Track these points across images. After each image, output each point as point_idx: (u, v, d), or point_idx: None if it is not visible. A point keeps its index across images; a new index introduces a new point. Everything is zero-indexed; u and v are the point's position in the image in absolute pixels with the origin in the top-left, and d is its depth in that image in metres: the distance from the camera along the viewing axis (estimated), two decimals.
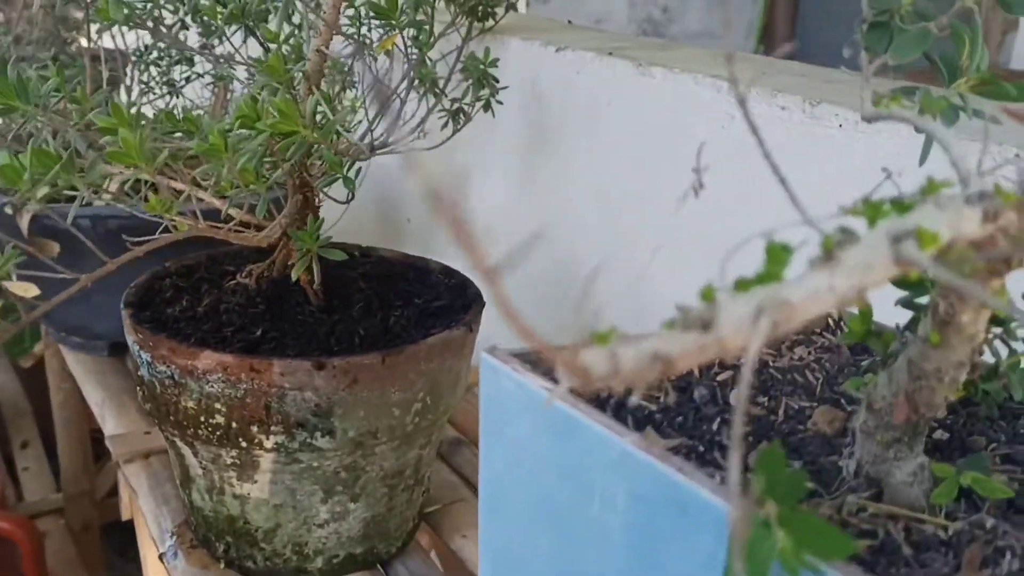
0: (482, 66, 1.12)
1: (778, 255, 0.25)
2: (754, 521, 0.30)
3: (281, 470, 0.83)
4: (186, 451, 0.86)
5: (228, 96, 1.47)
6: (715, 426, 0.46)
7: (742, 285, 0.25)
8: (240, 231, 0.68)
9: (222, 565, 0.90)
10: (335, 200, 0.75)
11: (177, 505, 0.99)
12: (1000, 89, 0.38)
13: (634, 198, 1.14)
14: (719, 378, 0.50)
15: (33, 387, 2.37)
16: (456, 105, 1.10)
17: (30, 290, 0.48)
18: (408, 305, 0.90)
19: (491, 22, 1.27)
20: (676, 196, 1.08)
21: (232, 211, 0.69)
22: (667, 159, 1.08)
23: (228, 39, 0.90)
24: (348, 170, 0.69)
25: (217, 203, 0.70)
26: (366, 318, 0.86)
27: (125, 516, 1.12)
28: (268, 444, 0.81)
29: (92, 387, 1.26)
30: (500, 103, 1.13)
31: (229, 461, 0.83)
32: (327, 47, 0.70)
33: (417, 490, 0.93)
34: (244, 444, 0.81)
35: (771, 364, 0.52)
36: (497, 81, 1.15)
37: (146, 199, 0.66)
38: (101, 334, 1.32)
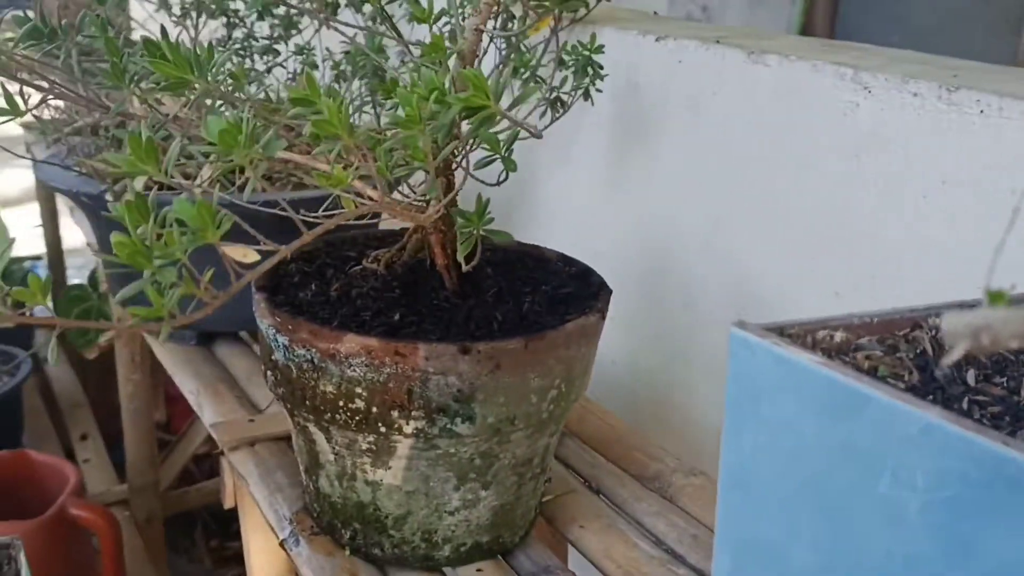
0: (587, 52, 1.10)
1: None
2: None
3: (418, 456, 0.82)
4: (319, 436, 0.85)
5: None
6: (964, 405, 0.45)
7: None
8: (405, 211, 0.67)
9: (347, 552, 0.90)
10: (483, 182, 0.74)
11: (293, 493, 0.98)
12: None
13: (742, 191, 1.13)
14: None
15: (89, 380, 2.37)
16: (555, 94, 1.09)
17: (249, 255, 0.47)
18: (536, 292, 0.89)
19: (583, 11, 1.26)
20: (789, 188, 1.06)
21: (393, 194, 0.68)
22: (780, 151, 1.07)
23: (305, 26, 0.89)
24: (506, 151, 0.68)
25: (358, 186, 0.68)
26: (500, 304, 0.85)
27: (228, 504, 1.11)
28: (408, 430, 0.80)
29: (185, 377, 1.26)
30: (600, 91, 1.11)
31: (365, 447, 0.83)
32: (484, 26, 0.69)
33: (541, 479, 0.92)
34: (383, 429, 0.80)
35: None
36: (601, 68, 1.14)
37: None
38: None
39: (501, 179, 0.73)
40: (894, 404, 0.38)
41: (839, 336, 0.47)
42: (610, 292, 0.90)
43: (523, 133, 0.71)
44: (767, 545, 0.44)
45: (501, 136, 0.70)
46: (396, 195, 0.74)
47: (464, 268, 0.77)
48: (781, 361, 0.42)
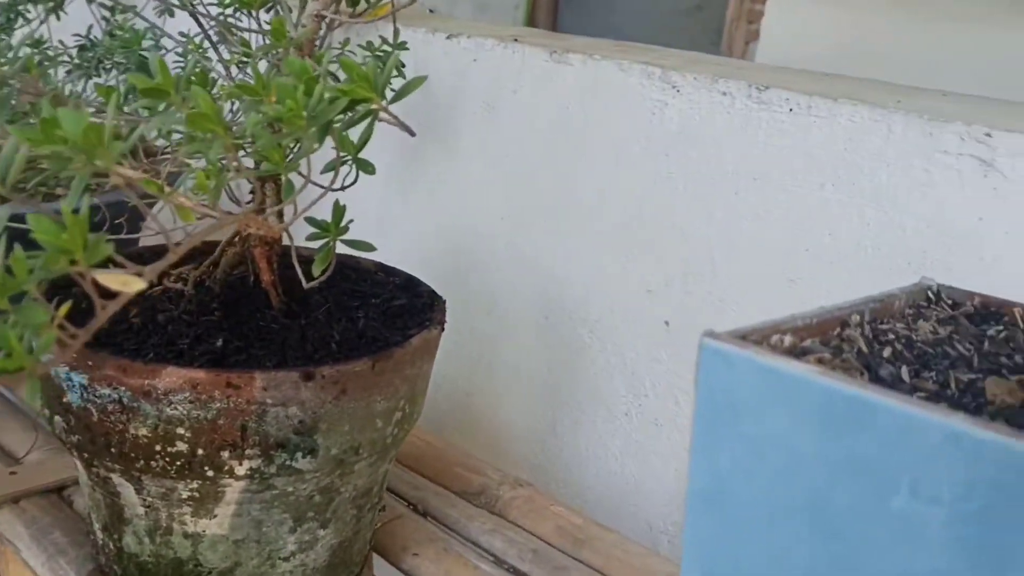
0: (388, 49, 1.04)
1: None
2: None
3: (250, 500, 0.72)
4: (126, 488, 0.73)
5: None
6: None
7: None
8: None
9: None
10: (319, 185, 0.66)
11: (80, 554, 0.84)
12: None
13: (547, 192, 1.11)
14: (884, 355, 0.48)
15: None
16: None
17: (131, 283, 0.37)
18: (367, 306, 0.81)
19: (363, 5, 1.19)
20: (597, 188, 1.06)
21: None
22: (587, 150, 1.06)
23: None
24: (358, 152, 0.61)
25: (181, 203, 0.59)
26: (334, 322, 0.77)
27: None
28: (240, 471, 0.70)
29: None
30: (393, 91, 1.05)
31: (186, 495, 0.71)
32: (327, 11, 0.61)
33: (377, 509, 0.85)
34: (210, 473, 0.70)
35: (915, 338, 0.51)
36: (404, 66, 1.08)
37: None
38: None
39: (347, 183, 0.65)
40: (910, 413, 0.35)
41: (788, 340, 0.45)
42: (444, 301, 0.84)
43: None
44: (749, 571, 0.40)
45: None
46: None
47: (308, 284, 0.68)
48: (768, 372, 0.39)
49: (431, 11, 1.45)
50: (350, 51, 1.16)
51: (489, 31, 1.17)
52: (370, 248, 0.70)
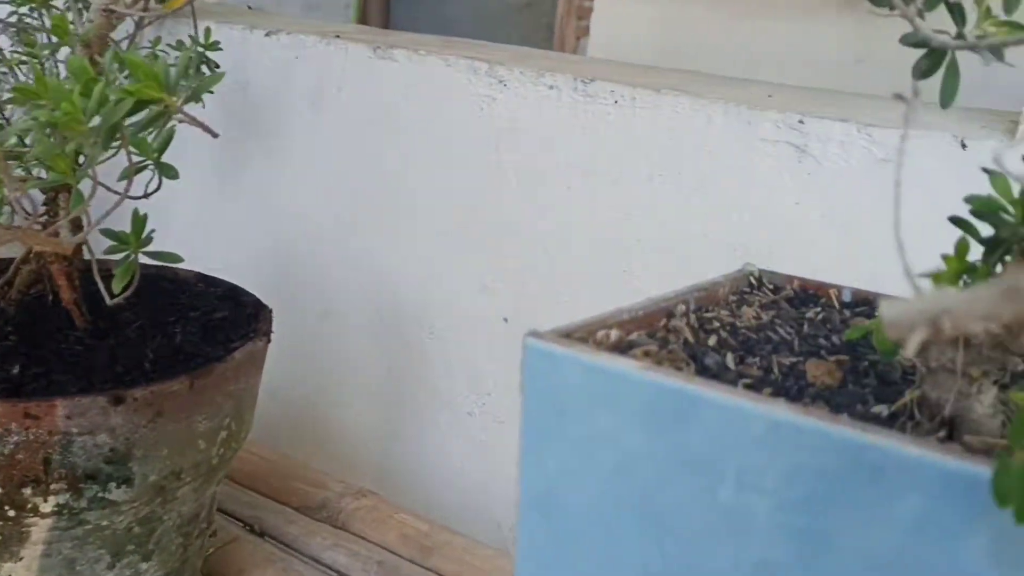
0: (201, 48, 0.99)
1: None
2: None
3: (60, 538, 0.66)
4: None
5: None
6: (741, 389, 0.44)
7: None
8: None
9: None
10: (116, 193, 0.61)
11: None
12: (1021, 30, 0.40)
13: (377, 189, 1.08)
14: (709, 343, 0.48)
15: None
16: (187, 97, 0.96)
17: None
18: (185, 320, 0.76)
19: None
20: (428, 185, 1.04)
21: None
22: (416, 147, 1.03)
23: None
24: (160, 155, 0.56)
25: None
26: (148, 340, 0.72)
27: None
28: (46, 508, 0.64)
29: None
30: (211, 91, 1.00)
31: None
32: (116, 4, 0.56)
33: (206, 534, 0.80)
34: (11, 513, 0.64)
35: (739, 325, 0.51)
36: (218, 66, 1.03)
37: None
38: None
39: (150, 190, 0.61)
40: (733, 403, 0.35)
41: (614, 334, 0.44)
42: (270, 311, 0.80)
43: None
44: (585, 574, 0.39)
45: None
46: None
47: (111, 301, 0.63)
48: (594, 371, 0.37)
49: (249, 7, 1.39)
50: (161, 50, 1.09)
51: (310, 28, 1.13)
52: (176, 259, 0.66)
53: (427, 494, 1.11)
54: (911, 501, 0.32)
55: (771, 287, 0.57)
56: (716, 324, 0.50)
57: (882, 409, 0.44)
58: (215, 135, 0.52)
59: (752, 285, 0.57)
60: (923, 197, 0.64)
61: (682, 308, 0.50)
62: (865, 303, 0.54)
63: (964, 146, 0.72)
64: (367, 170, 1.08)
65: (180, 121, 0.49)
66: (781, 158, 0.81)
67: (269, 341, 0.76)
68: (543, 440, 0.39)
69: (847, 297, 0.55)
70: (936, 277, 0.26)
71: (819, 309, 0.54)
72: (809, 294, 0.56)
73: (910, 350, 0.24)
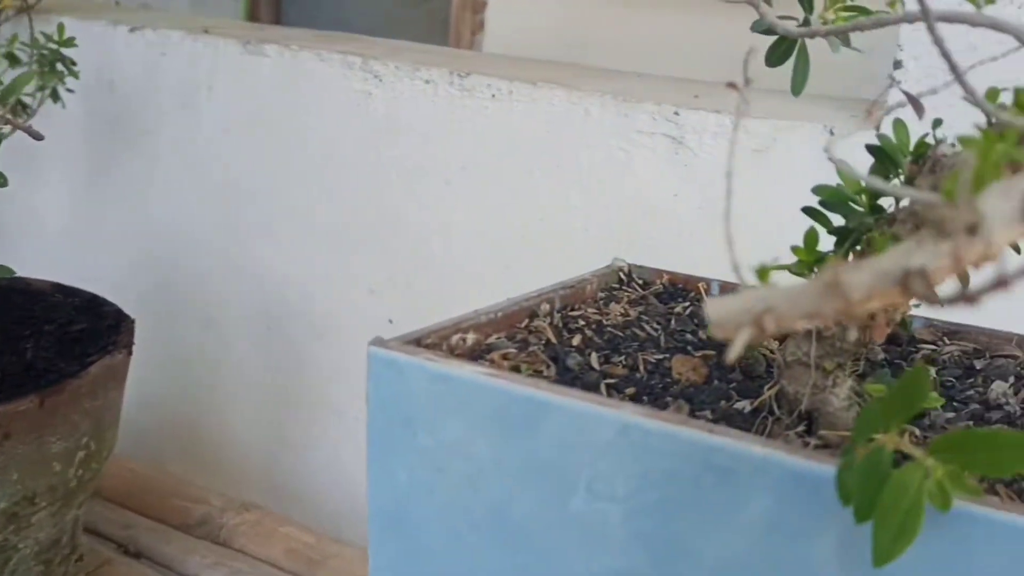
0: (55, 45, 0.93)
1: (987, 148, 0.23)
2: (880, 459, 0.28)
3: None
4: None
5: None
6: (603, 390, 0.42)
7: (984, 170, 0.22)
8: None
9: None
10: None
11: None
12: (867, 15, 0.40)
13: (257, 191, 1.04)
14: (573, 343, 0.46)
15: None
16: (13, 97, 0.90)
17: None
18: (39, 334, 0.72)
19: None
20: (308, 185, 1.00)
21: None
22: (293, 145, 1.00)
23: None
24: None
25: None
26: None
27: None
28: None
29: None
30: (71, 91, 0.95)
31: None
32: None
33: (72, 559, 0.76)
34: None
35: (605, 323, 0.49)
36: (75, 64, 0.97)
37: None
38: None
39: None
40: (582, 408, 0.33)
41: (471, 338, 0.42)
42: (132, 322, 0.76)
43: None
44: None
45: None
46: None
47: None
48: (441, 379, 0.36)
49: (117, 3, 1.33)
50: (18, 48, 1.03)
51: (177, 23, 1.08)
52: (8, 273, 0.61)
53: (317, 504, 1.07)
54: (761, 502, 0.31)
55: (640, 282, 0.56)
56: (581, 323, 0.49)
57: (745, 405, 0.43)
58: (39, 138, 0.48)
59: (621, 280, 0.56)
60: (795, 186, 0.64)
61: (546, 307, 0.49)
62: None
63: (832, 134, 0.73)
64: (244, 172, 1.04)
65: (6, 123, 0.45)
66: (658, 150, 0.81)
67: (131, 354, 0.72)
68: (391, 452, 0.37)
69: (715, 291, 0.55)
70: (760, 273, 0.25)
71: (687, 304, 0.53)
72: (678, 289, 0.55)
73: (734, 351, 0.23)
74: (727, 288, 0.55)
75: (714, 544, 0.32)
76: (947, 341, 0.49)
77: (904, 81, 0.69)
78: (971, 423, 0.41)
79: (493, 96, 0.88)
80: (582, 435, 0.33)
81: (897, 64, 0.69)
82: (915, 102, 0.37)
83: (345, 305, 1.01)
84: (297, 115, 0.99)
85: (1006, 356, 0.46)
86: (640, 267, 0.56)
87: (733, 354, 0.23)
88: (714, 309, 0.24)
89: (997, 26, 0.29)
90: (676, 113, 0.79)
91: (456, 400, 0.35)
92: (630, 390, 0.43)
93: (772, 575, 0.31)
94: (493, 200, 0.90)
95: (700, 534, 0.32)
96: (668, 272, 0.56)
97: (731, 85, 0.28)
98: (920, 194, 0.23)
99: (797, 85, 0.41)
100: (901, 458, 0.28)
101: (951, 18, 0.30)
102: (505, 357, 0.42)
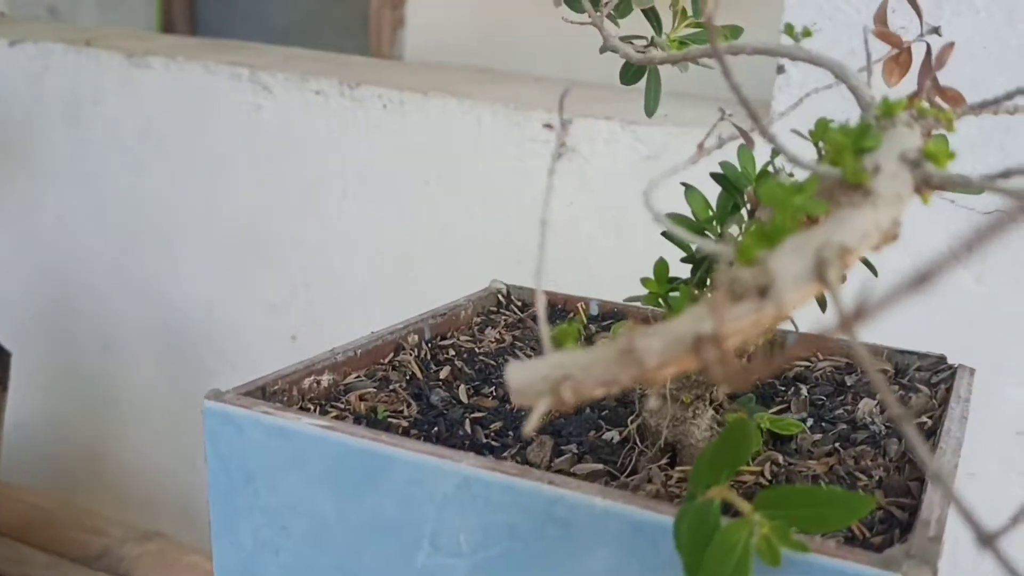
0: None
1: (784, 201, 0.22)
2: (707, 514, 0.27)
3: None
4: None
5: None
6: (467, 427, 0.41)
7: (761, 239, 0.21)
8: None
9: None
10: None
11: None
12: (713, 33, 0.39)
13: (150, 208, 1.00)
14: (440, 376, 0.45)
15: None
16: None
17: None
18: None
19: None
20: (201, 200, 0.97)
21: None
22: (183, 160, 0.97)
23: None
24: None
25: None
26: None
27: None
28: None
29: None
30: None
31: None
32: None
33: None
34: None
35: (478, 351, 0.48)
36: None
37: None
38: None
39: None
40: (422, 460, 0.32)
41: (326, 379, 0.41)
42: (8, 355, 0.73)
43: None
44: None
45: None
46: None
47: None
48: (278, 433, 0.34)
49: (3, 13, 1.27)
50: None
51: (59, 35, 1.04)
52: None
53: None
54: (603, 554, 0.30)
55: (520, 304, 0.54)
56: (452, 353, 0.47)
57: (614, 435, 0.42)
58: None
59: (500, 303, 0.54)
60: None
61: (414, 339, 0.47)
62: (612, 315, 0.53)
63: (721, 143, 0.72)
64: (136, 189, 1.00)
65: None
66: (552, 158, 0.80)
67: (5, 388, 0.69)
68: (234, 512, 0.35)
69: (594, 310, 0.54)
70: (559, 338, 0.24)
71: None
72: (557, 309, 0.54)
73: (533, 421, 0.22)
74: (606, 307, 0.54)
75: None
76: (821, 356, 0.48)
77: (787, 86, 0.68)
78: (837, 444, 0.41)
79: (384, 107, 0.86)
80: (423, 489, 0.32)
81: (780, 69, 0.68)
82: (746, 136, 0.37)
83: (246, 322, 0.99)
84: (187, 129, 0.95)
85: (876, 371, 0.46)
86: (520, 288, 0.55)
87: (530, 427, 0.22)
88: (514, 376, 0.22)
89: (814, 60, 0.28)
90: (568, 120, 0.78)
91: (295, 455, 0.34)
92: (496, 425, 0.42)
93: None
94: (391, 213, 0.88)
95: None
96: (548, 292, 0.55)
97: (547, 126, 0.27)
98: (714, 247, 0.22)
99: (650, 105, 0.40)
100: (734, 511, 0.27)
101: (767, 51, 0.29)
102: (362, 398, 0.40)
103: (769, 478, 0.37)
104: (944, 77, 0.35)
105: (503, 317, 0.53)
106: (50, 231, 1.07)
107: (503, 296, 0.54)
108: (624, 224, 0.78)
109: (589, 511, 0.30)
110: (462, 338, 0.49)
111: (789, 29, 0.35)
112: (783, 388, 0.46)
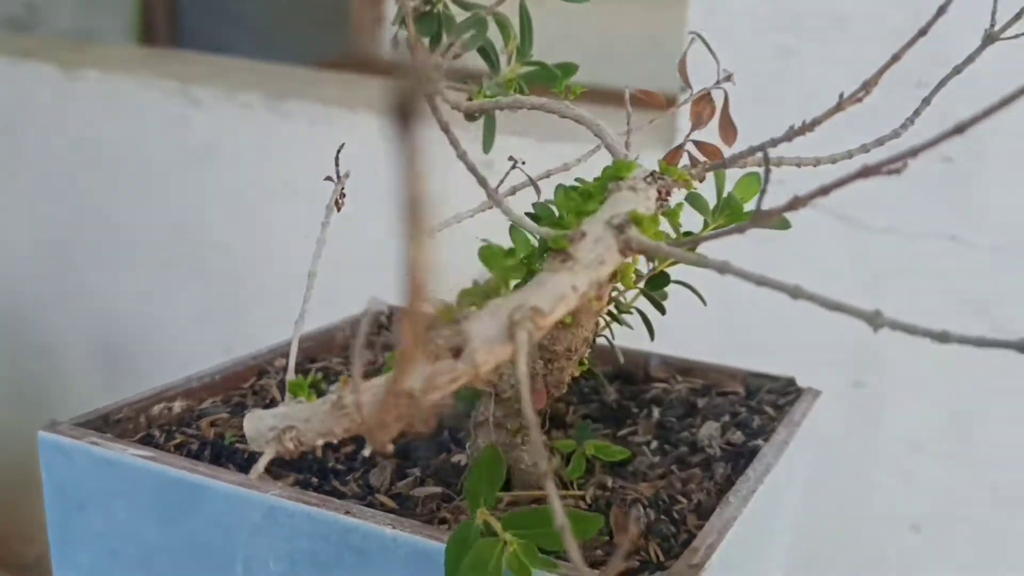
0: None
1: (497, 260, 0.23)
2: (467, 534, 0.28)
3: None
4: None
5: None
6: (319, 452, 0.42)
7: (467, 296, 0.23)
8: None
9: None
10: None
11: None
12: (548, 72, 0.40)
13: (82, 218, 1.02)
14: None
15: None
16: None
17: None
18: None
19: None
20: (133, 210, 0.99)
21: None
22: (115, 172, 0.98)
23: None
24: None
25: None
26: None
27: None
28: None
29: None
30: None
31: None
32: None
33: None
34: None
35: (347, 373, 0.49)
36: None
37: None
38: None
39: None
40: (233, 491, 0.33)
41: (179, 406, 0.42)
42: None
43: None
44: None
45: None
46: None
47: None
48: (103, 463, 0.35)
49: None
50: None
51: (3, 46, 1.05)
52: None
53: None
54: None
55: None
56: (320, 376, 0.49)
57: (461, 458, 0.43)
58: None
59: (381, 325, 0.56)
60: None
61: (281, 362, 0.48)
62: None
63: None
64: (72, 201, 1.01)
65: None
66: (467, 175, 0.81)
67: None
68: (70, 536, 0.37)
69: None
70: (293, 389, 0.25)
71: None
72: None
73: (259, 467, 0.23)
74: None
75: None
76: (679, 378, 0.50)
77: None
78: (674, 467, 0.42)
79: (310, 121, 0.87)
80: (235, 516, 0.33)
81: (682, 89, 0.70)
82: (534, 184, 0.38)
83: (179, 334, 1.00)
84: (119, 142, 0.97)
85: (728, 393, 0.48)
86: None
87: (255, 473, 0.23)
88: (248, 426, 0.24)
89: (580, 120, 0.30)
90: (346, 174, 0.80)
91: (122, 484, 0.35)
92: (348, 449, 0.44)
93: None
94: (319, 226, 0.90)
95: None
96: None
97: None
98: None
99: (486, 144, 0.41)
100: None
101: (543, 108, 0.30)
102: (213, 424, 0.42)
103: (589, 502, 0.39)
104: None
105: (381, 339, 0.54)
106: None
107: (385, 317, 0.56)
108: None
109: (380, 540, 0.31)
110: (334, 360, 0.51)
111: (560, 87, 0.37)
112: (637, 410, 0.47)
